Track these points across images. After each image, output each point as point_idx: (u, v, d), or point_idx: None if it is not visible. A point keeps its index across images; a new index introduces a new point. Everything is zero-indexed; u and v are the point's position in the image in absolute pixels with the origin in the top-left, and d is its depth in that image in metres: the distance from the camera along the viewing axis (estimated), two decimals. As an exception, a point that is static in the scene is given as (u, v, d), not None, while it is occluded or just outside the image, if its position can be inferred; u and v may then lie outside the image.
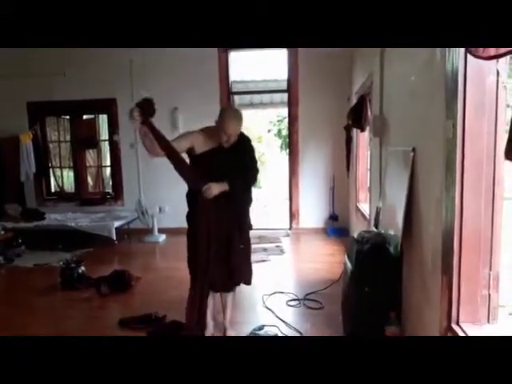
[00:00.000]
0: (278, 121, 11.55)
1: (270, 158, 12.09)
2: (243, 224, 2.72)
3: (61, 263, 4.14)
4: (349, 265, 2.68)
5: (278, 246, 5.17)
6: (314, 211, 6.02)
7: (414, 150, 2.24)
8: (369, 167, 4.13)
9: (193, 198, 2.67)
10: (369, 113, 3.91)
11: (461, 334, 1.59)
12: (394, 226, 2.51)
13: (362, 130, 4.21)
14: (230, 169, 2.61)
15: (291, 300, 3.47)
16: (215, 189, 2.50)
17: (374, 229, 2.93)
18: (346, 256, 2.88)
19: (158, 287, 3.92)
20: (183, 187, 2.72)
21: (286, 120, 6.62)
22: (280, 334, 2.80)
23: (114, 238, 5.43)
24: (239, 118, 2.53)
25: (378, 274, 2.47)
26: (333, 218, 5.87)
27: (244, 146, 2.69)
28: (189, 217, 2.74)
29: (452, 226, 1.65)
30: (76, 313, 3.44)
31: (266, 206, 8.51)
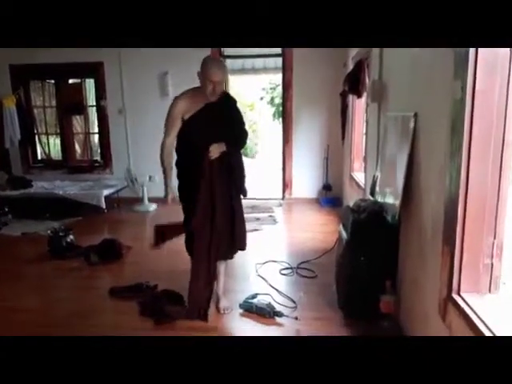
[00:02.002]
0: (271, 88, 11.27)
1: (263, 127, 11.89)
2: (241, 188, 2.66)
3: (49, 232, 4.04)
4: (344, 234, 2.62)
5: (270, 216, 5.11)
6: (307, 181, 5.95)
7: (415, 114, 2.14)
8: (365, 135, 4.03)
9: (186, 166, 2.58)
10: (366, 78, 3.78)
11: (461, 303, 1.54)
12: (392, 195, 2.44)
13: (359, 96, 4.09)
14: (221, 126, 2.56)
15: (284, 269, 3.44)
16: (216, 149, 2.47)
17: (371, 197, 2.86)
18: (340, 225, 2.82)
19: (148, 257, 3.86)
20: (173, 155, 2.63)
21: (280, 87, 6.46)
22: (273, 303, 2.76)
23: (104, 206, 5.33)
24: (223, 65, 2.50)
25: (375, 243, 2.42)
26: (326, 187, 5.81)
27: (231, 104, 2.64)
28: (182, 188, 2.65)
29: (456, 194, 1.58)
30: (65, 282, 3.38)
31: (259, 176, 8.42)
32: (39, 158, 6.47)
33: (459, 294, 1.60)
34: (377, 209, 2.48)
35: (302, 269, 3.42)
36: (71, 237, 4.03)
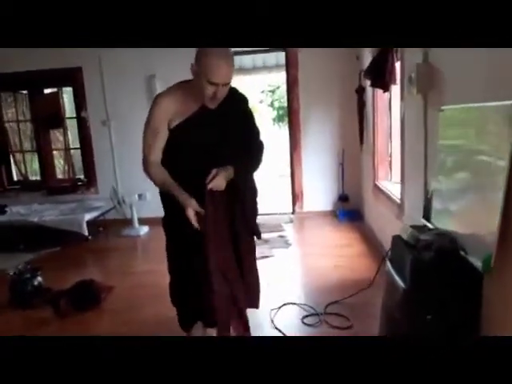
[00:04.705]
0: (271, 91, 10.53)
1: (264, 132, 11.08)
2: (252, 227, 1.95)
3: (11, 273, 3.28)
4: (397, 279, 1.85)
5: (281, 237, 4.33)
6: (320, 191, 5.17)
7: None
8: (398, 135, 3.25)
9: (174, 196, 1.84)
10: (397, 66, 3.04)
11: None
12: (472, 225, 1.67)
13: (386, 89, 3.33)
14: (225, 140, 1.80)
15: (307, 316, 2.65)
16: (222, 177, 1.70)
17: (426, 222, 2.09)
18: (388, 263, 2.05)
19: (135, 300, 3.09)
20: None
21: (280, 89, 5.76)
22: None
23: (86, 233, 4.57)
24: (231, 58, 1.66)
25: (450, 296, 1.65)
26: (342, 198, 5.04)
27: (238, 108, 1.84)
28: (170, 224, 1.93)
29: None
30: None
31: (263, 187, 7.64)
32: (15, 179, 5.72)
33: None
34: (448, 244, 1.71)
35: (331, 314, 2.64)
36: (39, 278, 3.27)
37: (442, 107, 2.05)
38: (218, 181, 1.68)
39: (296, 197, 5.27)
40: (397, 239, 1.99)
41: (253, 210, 1.96)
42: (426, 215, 2.13)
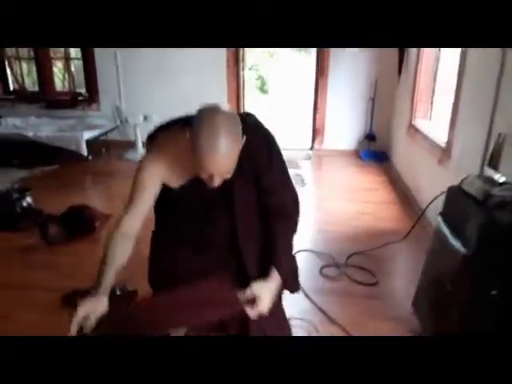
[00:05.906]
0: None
1: (283, 53, 9.99)
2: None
3: (-3, 191, 2.97)
4: (454, 242, 1.46)
5: (297, 175, 3.91)
6: (344, 128, 4.67)
7: None
8: (448, 63, 2.71)
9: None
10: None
11: None
12: None
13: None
14: (241, 219, 1.40)
15: (326, 266, 2.33)
16: (265, 298, 1.32)
17: (493, 172, 1.66)
18: (440, 219, 1.66)
19: (132, 231, 2.78)
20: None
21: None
22: (315, 334, 1.70)
23: (85, 153, 4.19)
24: (233, 139, 1.14)
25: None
26: (369, 137, 4.55)
27: (260, 158, 1.34)
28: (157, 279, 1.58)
29: None
30: (6, 273, 2.32)
31: (278, 117, 7.08)
32: (11, 88, 5.25)
33: None
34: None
35: (354, 267, 2.31)
36: (28, 199, 2.95)
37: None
38: (260, 307, 1.29)
39: (317, 131, 4.78)
40: (456, 191, 1.58)
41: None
42: (494, 163, 1.69)
